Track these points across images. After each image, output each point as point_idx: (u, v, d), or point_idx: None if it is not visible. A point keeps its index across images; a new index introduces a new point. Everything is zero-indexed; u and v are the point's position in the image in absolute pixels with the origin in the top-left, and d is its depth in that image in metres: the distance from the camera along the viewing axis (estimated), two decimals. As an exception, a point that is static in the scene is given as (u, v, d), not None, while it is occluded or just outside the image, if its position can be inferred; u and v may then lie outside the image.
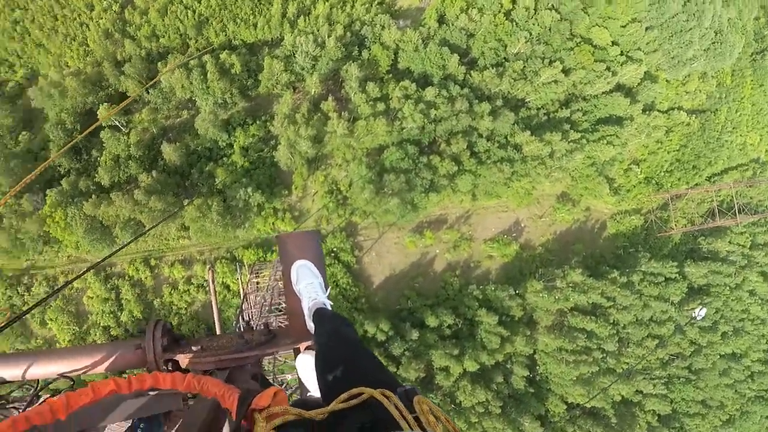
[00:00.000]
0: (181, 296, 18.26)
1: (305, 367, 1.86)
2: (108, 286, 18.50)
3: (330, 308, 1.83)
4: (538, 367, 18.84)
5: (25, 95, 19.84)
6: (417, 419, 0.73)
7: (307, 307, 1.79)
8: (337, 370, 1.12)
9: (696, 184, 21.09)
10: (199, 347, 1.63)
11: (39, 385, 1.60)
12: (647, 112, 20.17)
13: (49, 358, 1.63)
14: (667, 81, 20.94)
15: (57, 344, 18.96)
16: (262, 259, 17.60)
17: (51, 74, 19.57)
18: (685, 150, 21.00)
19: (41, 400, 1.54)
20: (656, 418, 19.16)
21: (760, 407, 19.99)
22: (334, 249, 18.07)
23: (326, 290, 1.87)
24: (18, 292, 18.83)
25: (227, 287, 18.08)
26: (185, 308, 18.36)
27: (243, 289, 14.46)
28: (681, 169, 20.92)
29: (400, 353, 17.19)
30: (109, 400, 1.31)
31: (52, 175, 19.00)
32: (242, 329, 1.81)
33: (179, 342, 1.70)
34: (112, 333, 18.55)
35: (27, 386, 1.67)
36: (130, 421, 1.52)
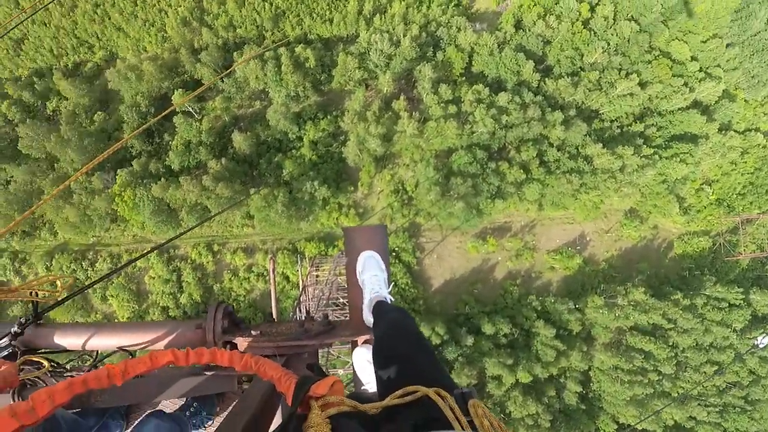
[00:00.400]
0: (241, 283, 18.70)
1: (361, 360, 1.83)
2: (170, 267, 19.11)
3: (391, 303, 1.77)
4: (591, 384, 18.54)
5: (103, 76, 20.59)
6: (471, 423, 0.71)
7: (368, 298, 1.75)
8: (395, 364, 1.09)
9: (768, 210, 20.27)
10: (259, 332, 1.61)
11: (97, 357, 1.61)
12: (723, 132, 19.43)
13: (111, 330, 1.63)
14: (745, 100, 20.11)
15: (116, 320, 19.74)
16: (323, 253, 17.84)
17: (129, 57, 20.23)
18: (759, 173, 20.14)
19: None
20: (708, 447, 18.63)
21: (816, 446, 19.16)
22: (396, 248, 18.14)
23: (389, 286, 1.83)
24: (82, 267, 19.69)
25: (287, 278, 18.42)
26: (244, 295, 18.80)
27: (302, 281, 14.68)
28: (754, 192, 20.09)
29: (454, 358, 17.19)
30: (166, 377, 1.31)
31: (123, 156, 19.72)
32: (302, 318, 1.82)
33: (239, 326, 1.68)
34: (170, 314, 19.16)
35: (86, 356, 1.68)
36: (184, 399, 1.52)
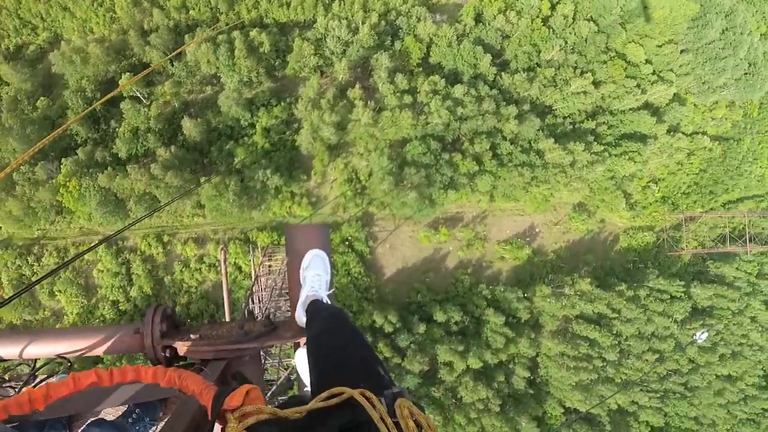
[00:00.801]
0: (192, 275, 18.31)
1: (303, 362, 1.86)
2: (119, 260, 18.48)
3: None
4: (539, 370, 19.18)
5: (46, 60, 19.46)
6: (398, 424, 0.72)
7: (305, 296, 1.73)
8: (330, 362, 1.08)
9: (711, 209, 21.20)
10: (198, 336, 1.61)
11: (36, 365, 1.58)
12: (672, 133, 20.14)
13: (48, 337, 1.60)
14: (695, 105, 20.88)
15: (65, 317, 19.01)
16: (275, 243, 17.62)
17: (74, 39, 19.19)
18: (704, 174, 21.05)
19: (38, 380, 1.54)
20: (649, 429, 19.63)
21: (749, 429, 20.46)
22: (349, 237, 18.12)
23: (330, 289, 1.83)
24: (28, 262, 18.79)
25: (239, 268, 18.14)
26: (196, 287, 18.43)
27: (254, 272, 14.49)
28: (698, 192, 20.99)
29: (406, 345, 17.43)
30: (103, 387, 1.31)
31: (68, 144, 18.81)
32: (244, 318, 1.78)
33: (179, 328, 1.68)
34: (120, 308, 18.60)
35: (27, 364, 1.64)
36: (126, 405, 1.52)
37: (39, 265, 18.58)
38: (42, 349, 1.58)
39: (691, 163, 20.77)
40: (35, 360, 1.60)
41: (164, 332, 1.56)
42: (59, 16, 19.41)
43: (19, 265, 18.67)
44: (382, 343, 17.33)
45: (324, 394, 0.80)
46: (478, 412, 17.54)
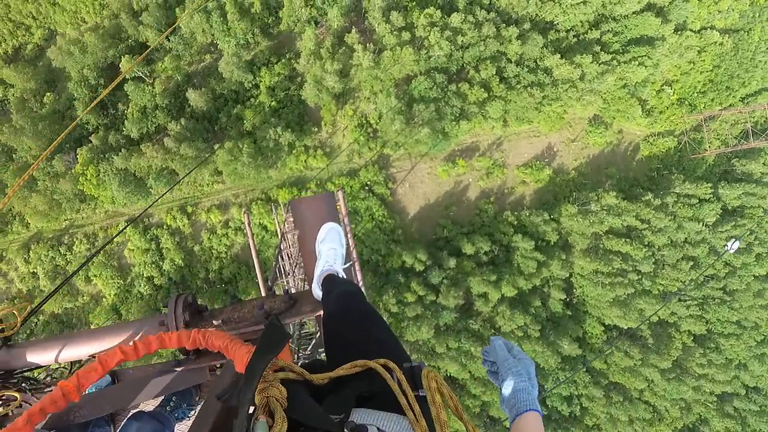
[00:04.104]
0: (220, 240, 18.65)
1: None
2: (147, 237, 18.93)
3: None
4: (574, 290, 19.07)
5: (45, 57, 19.77)
6: (418, 397, 0.71)
7: (320, 270, 1.70)
8: (345, 338, 1.08)
9: (730, 105, 20.52)
10: (220, 321, 1.62)
11: (72, 367, 1.64)
12: (679, 32, 19.44)
13: (79, 340, 1.65)
14: (699, 0, 20.09)
15: (104, 299, 19.62)
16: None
17: (68, 32, 19.42)
18: (718, 70, 20.32)
19: None
20: (692, 338, 19.43)
21: (794, 326, 20.11)
22: (368, 182, 18.15)
23: (345, 263, 1.77)
24: (60, 253, 19.42)
25: (264, 228, 18.39)
26: (225, 252, 18.79)
27: (280, 229, 14.68)
28: (714, 89, 20.33)
29: (439, 282, 17.52)
30: (137, 380, 1.34)
31: (80, 134, 19.20)
32: (266, 295, 1.77)
33: (202, 314, 1.69)
34: (156, 282, 19.10)
35: (65, 368, 1.71)
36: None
37: (71, 254, 19.19)
38: (76, 351, 1.62)
39: (703, 61, 20.05)
40: (70, 363, 1.66)
41: (188, 321, 1.56)
42: (50, 12, 19.64)
43: (52, 257, 19.30)
44: (415, 282, 17.44)
45: (348, 365, 0.80)
46: (519, 339, 17.59)
